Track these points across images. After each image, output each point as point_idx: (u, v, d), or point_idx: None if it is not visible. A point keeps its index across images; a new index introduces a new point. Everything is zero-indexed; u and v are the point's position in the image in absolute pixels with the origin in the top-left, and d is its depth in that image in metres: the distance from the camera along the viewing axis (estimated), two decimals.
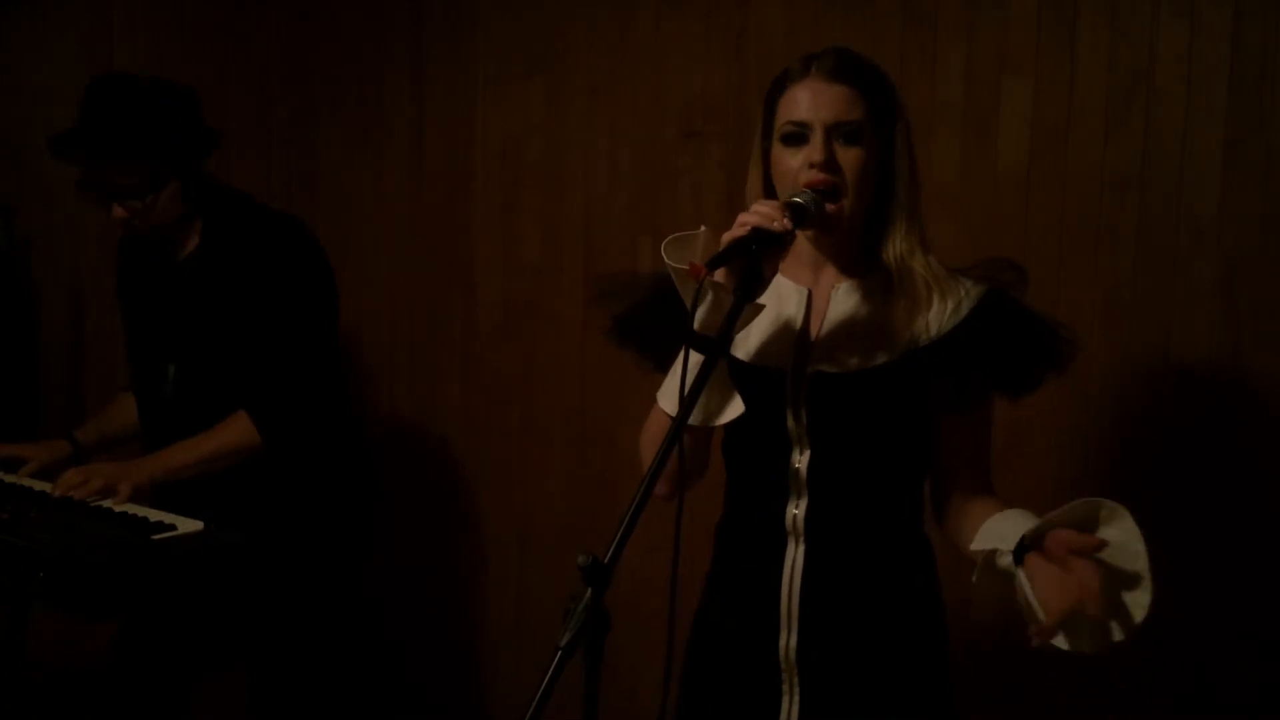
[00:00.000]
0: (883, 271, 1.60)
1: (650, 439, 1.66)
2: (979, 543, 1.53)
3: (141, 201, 2.17)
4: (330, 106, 3.25)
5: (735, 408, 1.52)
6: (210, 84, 2.32)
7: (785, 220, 1.45)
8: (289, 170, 3.31)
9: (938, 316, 1.57)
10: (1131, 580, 1.43)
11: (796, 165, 1.54)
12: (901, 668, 1.62)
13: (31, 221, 3.28)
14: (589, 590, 1.16)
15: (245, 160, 3.19)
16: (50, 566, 1.85)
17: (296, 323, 2.24)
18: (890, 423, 1.59)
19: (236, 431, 2.20)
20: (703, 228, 1.52)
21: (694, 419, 1.51)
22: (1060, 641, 1.42)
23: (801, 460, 1.60)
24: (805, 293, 1.64)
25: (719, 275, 1.43)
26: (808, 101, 1.54)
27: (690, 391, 1.36)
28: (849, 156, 1.54)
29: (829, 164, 1.52)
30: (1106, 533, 1.44)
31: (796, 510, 1.61)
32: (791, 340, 1.62)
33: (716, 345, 1.41)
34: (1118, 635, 1.44)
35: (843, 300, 1.61)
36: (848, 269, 1.63)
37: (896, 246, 1.58)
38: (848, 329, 1.60)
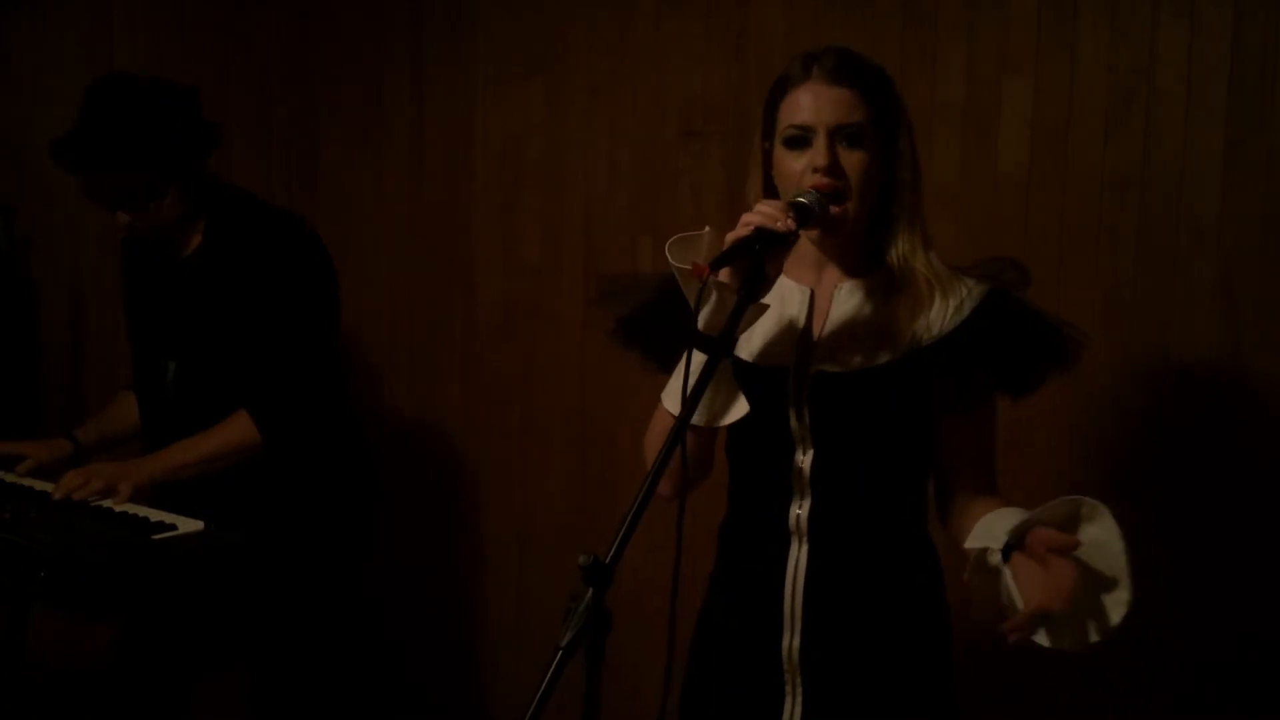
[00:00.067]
0: (885, 271, 1.60)
1: (654, 439, 1.66)
2: (971, 541, 1.54)
3: (143, 209, 2.18)
4: (330, 106, 3.25)
5: (740, 408, 1.52)
6: (210, 84, 2.31)
7: (789, 221, 1.45)
8: (289, 170, 3.31)
9: (940, 316, 1.57)
10: (1111, 580, 1.44)
11: (800, 169, 1.54)
12: (905, 668, 1.62)
13: (31, 221, 3.28)
14: (590, 590, 1.16)
15: (245, 160, 3.20)
16: (50, 566, 1.85)
17: (298, 322, 2.24)
18: (893, 422, 1.59)
19: (237, 431, 2.20)
20: (707, 228, 1.52)
21: (699, 419, 1.51)
22: (1041, 638, 1.44)
23: (805, 460, 1.60)
24: (808, 292, 1.64)
25: (723, 275, 1.43)
26: (810, 105, 1.53)
27: (693, 391, 1.36)
28: (852, 159, 1.54)
29: (833, 168, 1.52)
30: (1087, 531, 1.46)
31: (799, 510, 1.61)
32: (794, 340, 1.62)
33: (720, 345, 1.41)
34: (1094, 636, 1.45)
35: (845, 300, 1.62)
36: (850, 269, 1.63)
37: (899, 246, 1.59)
38: (850, 328, 1.60)
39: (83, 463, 2.29)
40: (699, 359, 1.42)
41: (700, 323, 1.44)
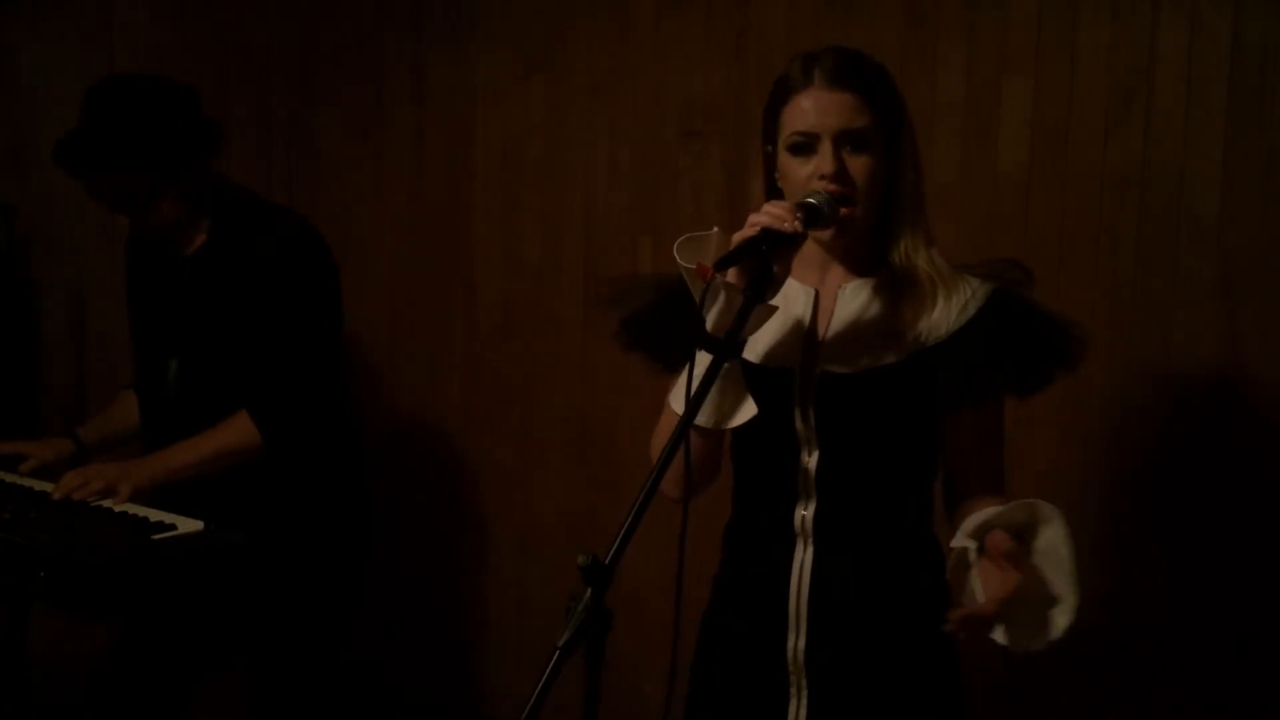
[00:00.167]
0: (889, 270, 1.60)
1: (660, 441, 1.66)
2: (956, 540, 1.54)
3: (144, 209, 2.18)
4: (330, 106, 3.25)
5: (748, 410, 1.52)
6: (210, 84, 2.31)
7: (796, 222, 1.44)
8: (289, 170, 3.31)
9: (945, 315, 1.57)
10: (1060, 587, 1.45)
11: (805, 175, 1.54)
12: (910, 669, 1.62)
13: (31, 221, 3.27)
14: (589, 590, 1.16)
15: (245, 160, 3.19)
16: (50, 566, 1.85)
17: (301, 323, 2.24)
18: (899, 422, 1.58)
19: (238, 432, 2.20)
20: (715, 228, 1.52)
21: (706, 421, 1.51)
22: (999, 636, 1.45)
23: (810, 461, 1.60)
24: (812, 293, 1.63)
25: (731, 276, 1.43)
26: (813, 111, 1.53)
27: (698, 391, 1.36)
28: (858, 164, 1.54)
29: (840, 175, 1.52)
30: (1044, 534, 1.47)
31: (805, 512, 1.61)
32: (799, 341, 1.62)
33: (726, 346, 1.41)
34: (1045, 639, 1.46)
35: (850, 300, 1.61)
36: (854, 269, 1.63)
37: (902, 245, 1.59)
38: (855, 329, 1.60)
39: (84, 462, 2.29)
40: (705, 360, 1.42)
41: (708, 323, 1.44)
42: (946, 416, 1.61)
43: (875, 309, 1.60)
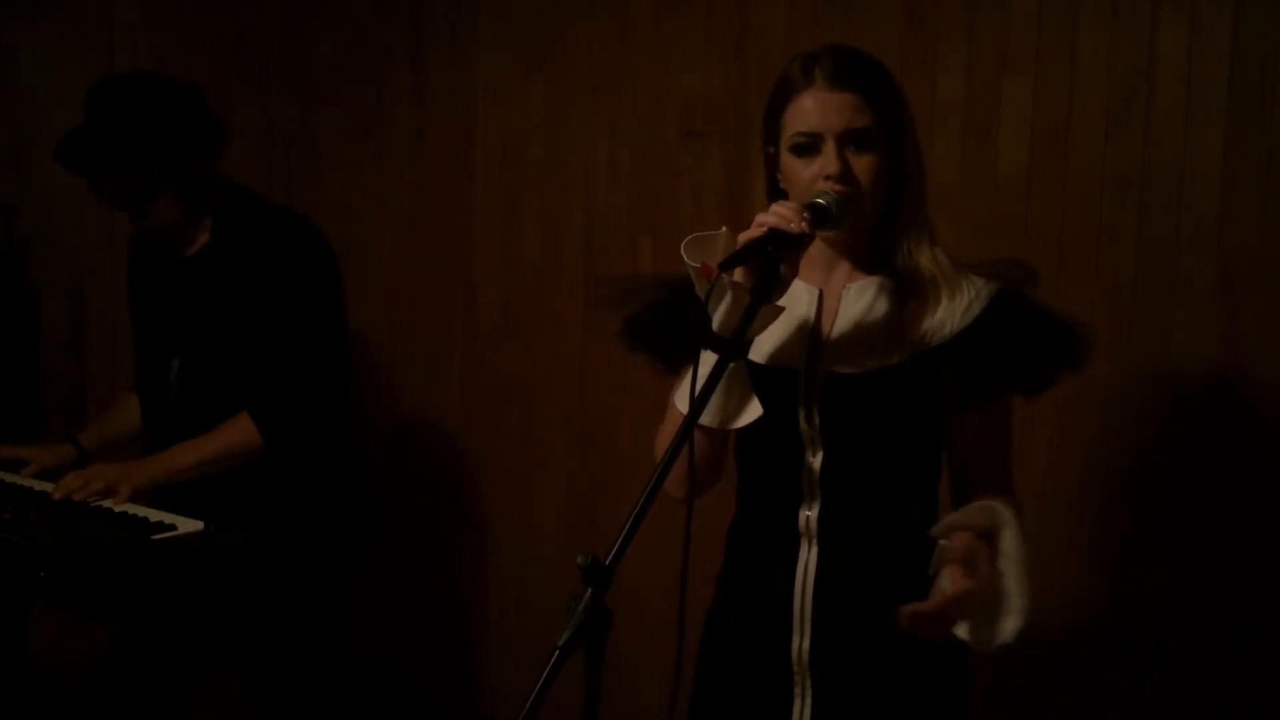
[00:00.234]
0: (893, 270, 1.60)
1: (665, 440, 1.66)
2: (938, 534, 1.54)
3: (142, 208, 2.18)
4: (330, 106, 3.25)
5: (753, 411, 1.51)
6: (210, 84, 2.31)
7: (803, 223, 1.44)
8: (289, 170, 3.31)
9: (950, 315, 1.56)
10: (1010, 591, 1.46)
11: (809, 176, 1.54)
12: (914, 670, 1.61)
13: (31, 221, 3.27)
14: (589, 590, 1.16)
15: (245, 160, 3.19)
16: (50, 566, 1.85)
17: (304, 324, 2.24)
18: (904, 423, 1.58)
19: (239, 433, 2.20)
20: (723, 228, 1.52)
21: (712, 421, 1.51)
22: (961, 631, 1.45)
23: (815, 462, 1.59)
24: (816, 293, 1.63)
25: (738, 276, 1.43)
26: (816, 111, 1.52)
27: (703, 391, 1.35)
28: (862, 164, 1.53)
29: (845, 175, 1.52)
30: (1004, 538, 1.49)
31: (809, 512, 1.61)
32: (804, 341, 1.61)
33: (733, 345, 1.40)
34: (993, 644, 1.47)
35: (854, 300, 1.61)
36: (858, 268, 1.63)
37: (906, 244, 1.58)
38: (860, 329, 1.59)
39: (85, 467, 2.29)
40: (710, 359, 1.41)
41: (715, 323, 1.44)
42: (952, 417, 1.61)
43: (880, 309, 1.59)
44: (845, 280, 1.63)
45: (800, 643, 1.61)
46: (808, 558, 1.61)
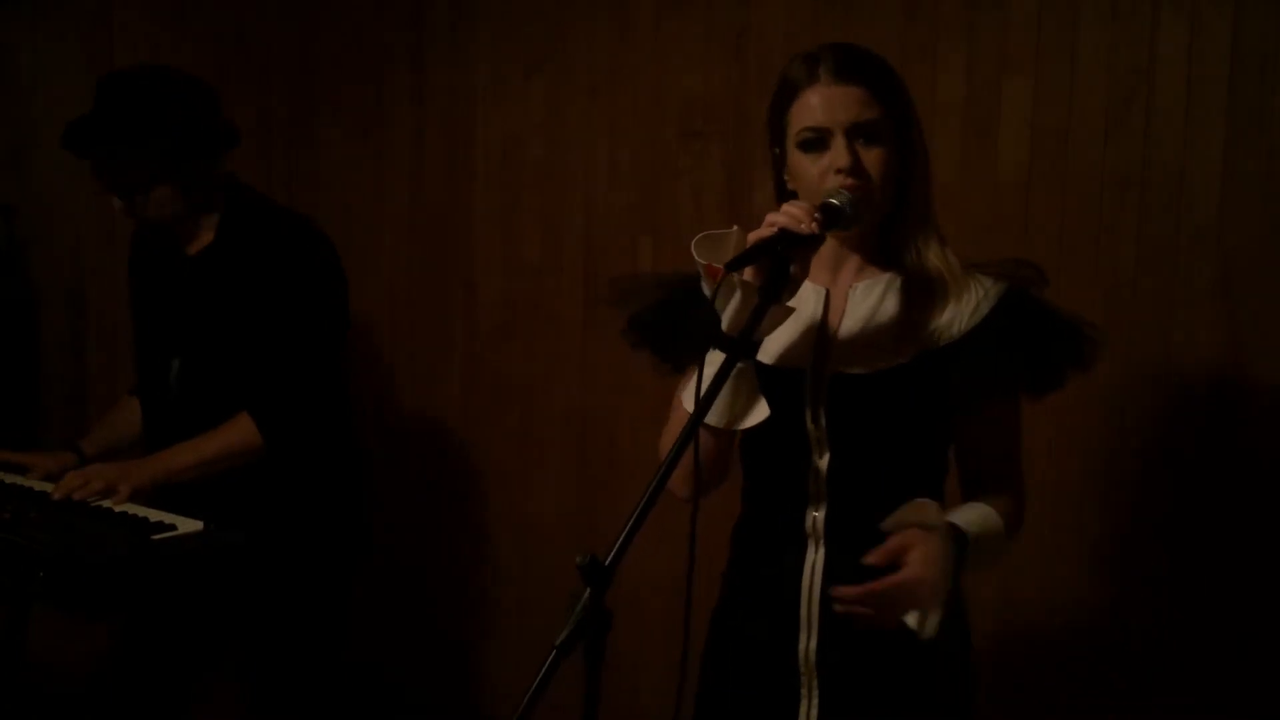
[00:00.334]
0: (900, 268, 1.59)
1: (669, 440, 1.64)
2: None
3: (134, 197, 2.18)
4: (330, 106, 3.25)
5: (760, 412, 1.50)
6: (210, 84, 2.32)
7: (814, 223, 1.42)
8: (289, 170, 3.31)
9: (958, 314, 1.55)
10: (929, 594, 1.46)
11: (819, 171, 1.52)
12: (922, 670, 1.61)
13: (31, 221, 3.27)
14: (588, 589, 1.16)
15: (245, 160, 3.19)
16: (50, 566, 1.85)
17: (306, 326, 2.24)
18: (911, 423, 1.57)
19: (239, 434, 2.20)
20: (735, 227, 1.49)
21: (718, 421, 1.50)
22: (911, 620, 1.45)
23: (821, 463, 1.59)
24: (823, 293, 1.62)
25: (749, 275, 1.41)
26: (823, 106, 1.51)
27: (709, 390, 1.34)
28: (872, 157, 1.52)
29: (855, 168, 1.51)
30: (934, 539, 1.47)
31: (816, 513, 1.60)
32: (810, 341, 1.60)
33: (741, 345, 1.40)
34: (923, 635, 1.46)
35: (861, 300, 1.60)
36: (865, 267, 1.62)
37: (915, 243, 1.57)
38: (867, 328, 1.58)
39: None
40: (717, 359, 1.40)
41: (724, 322, 1.43)
42: (959, 417, 1.60)
43: (887, 308, 1.58)
44: (852, 279, 1.62)
45: (807, 643, 1.61)
46: (815, 559, 1.60)
